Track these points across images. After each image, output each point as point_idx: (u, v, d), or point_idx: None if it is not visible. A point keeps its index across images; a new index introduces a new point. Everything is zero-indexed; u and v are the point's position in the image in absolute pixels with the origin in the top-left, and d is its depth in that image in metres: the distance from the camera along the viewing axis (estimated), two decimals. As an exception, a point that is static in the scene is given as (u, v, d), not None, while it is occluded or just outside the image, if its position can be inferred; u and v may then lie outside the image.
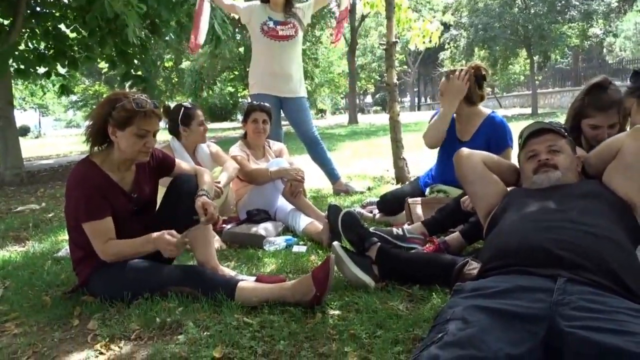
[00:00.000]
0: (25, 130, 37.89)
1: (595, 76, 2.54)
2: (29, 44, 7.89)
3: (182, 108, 3.20)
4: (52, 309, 2.07)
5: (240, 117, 33.62)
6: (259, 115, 3.44)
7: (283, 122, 4.55)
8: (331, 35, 24.41)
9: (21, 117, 40.97)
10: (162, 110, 3.02)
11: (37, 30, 7.79)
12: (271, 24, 4.18)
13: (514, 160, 2.30)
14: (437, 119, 3.11)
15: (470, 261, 1.99)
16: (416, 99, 43.30)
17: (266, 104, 3.55)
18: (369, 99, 55.40)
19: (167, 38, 7.99)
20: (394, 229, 2.59)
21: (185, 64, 23.35)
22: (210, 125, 31.67)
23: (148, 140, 2.06)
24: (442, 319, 1.30)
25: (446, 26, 20.45)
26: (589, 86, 2.41)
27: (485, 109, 3.12)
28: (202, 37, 4.43)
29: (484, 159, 2.11)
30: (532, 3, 18.44)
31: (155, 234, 2.02)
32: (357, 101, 34.05)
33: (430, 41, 5.44)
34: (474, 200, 2.14)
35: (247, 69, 4.54)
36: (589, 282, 1.33)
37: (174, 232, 2.01)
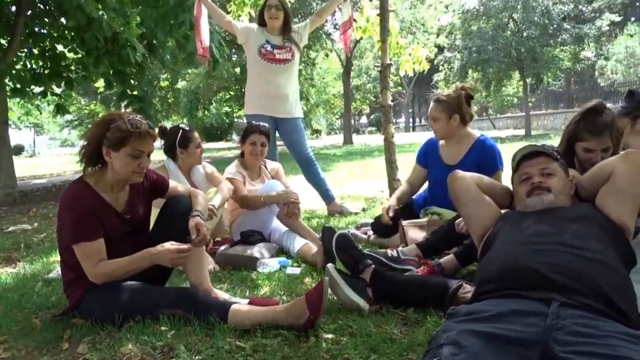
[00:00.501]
0: (19, 149, 37.85)
1: (587, 98, 2.59)
2: (26, 64, 7.92)
3: (180, 130, 3.22)
4: (42, 332, 2.04)
5: (235, 137, 33.79)
6: (258, 138, 3.44)
7: (278, 142, 4.57)
8: (326, 55, 24.68)
9: (16, 136, 41.00)
10: (158, 131, 3.04)
11: (34, 50, 7.83)
12: (268, 47, 4.22)
13: (505, 182, 2.30)
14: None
15: (464, 284, 1.99)
16: (411, 120, 43.65)
17: (265, 125, 3.55)
18: (364, 120, 55.79)
19: (164, 58, 8.03)
20: (389, 251, 2.58)
21: (181, 84, 23.50)
22: (206, 145, 31.74)
23: (142, 160, 2.06)
24: (436, 343, 1.29)
25: (440, 48, 20.76)
26: (584, 110, 2.43)
27: (474, 131, 3.14)
28: (206, 39, 4.41)
29: (477, 182, 2.12)
30: (524, 27, 18.74)
31: (154, 249, 2.01)
32: (352, 122, 34.26)
33: (420, 66, 5.49)
34: (468, 223, 2.14)
35: (243, 90, 4.56)
36: (582, 306, 1.33)
37: (173, 243, 2.02)
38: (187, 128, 3.28)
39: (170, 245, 2.02)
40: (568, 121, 2.52)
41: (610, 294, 1.39)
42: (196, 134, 3.27)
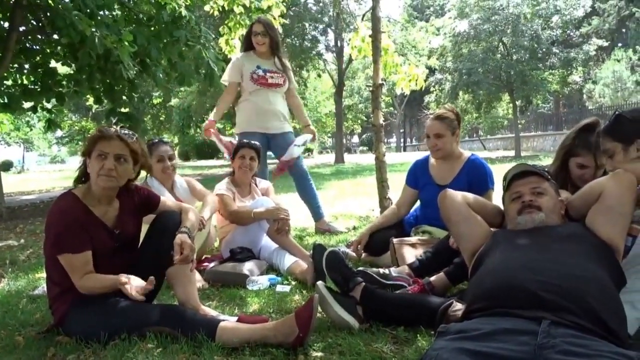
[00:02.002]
0: (8, 165, 37.57)
1: (576, 121, 2.60)
2: (17, 79, 7.89)
3: (152, 143, 3.23)
4: (25, 349, 1.99)
5: (227, 155, 33.76)
6: (247, 152, 3.45)
7: (270, 161, 4.56)
8: (319, 76, 24.86)
9: (4, 152, 40.72)
10: None
11: (25, 65, 7.81)
12: (260, 72, 4.24)
13: (495, 202, 2.31)
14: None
15: (454, 302, 1.98)
16: (402, 140, 43.91)
17: (256, 142, 3.56)
18: (355, 139, 56.08)
19: (156, 76, 8.02)
20: (381, 270, 2.57)
21: (173, 102, 23.52)
22: (197, 163, 31.64)
23: (106, 162, 2.02)
24: (426, 361, 1.28)
25: (431, 70, 21.03)
26: (580, 126, 2.46)
27: (465, 151, 3.16)
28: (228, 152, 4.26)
29: (468, 201, 2.13)
30: (514, 50, 19.08)
31: (122, 279, 1.95)
32: (344, 141, 34.42)
33: (416, 84, 5.54)
34: (459, 241, 2.15)
35: (235, 108, 4.56)
36: (572, 325, 1.33)
37: (137, 280, 1.96)
38: (155, 141, 3.27)
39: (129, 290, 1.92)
40: (557, 143, 2.53)
41: (600, 313, 1.39)
42: (163, 147, 3.23)
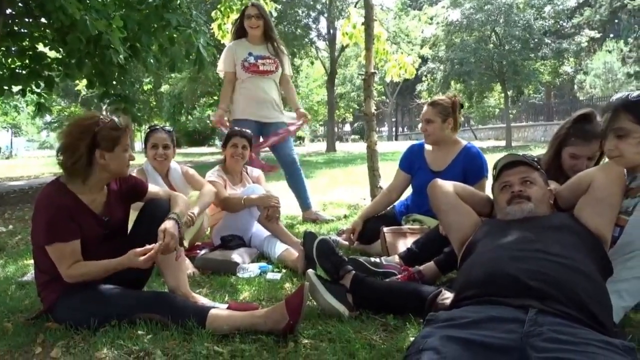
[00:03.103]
0: (-5, 151, 37.14)
1: (567, 111, 2.61)
2: (3, 62, 7.75)
3: (149, 128, 3.26)
4: (14, 336, 1.99)
5: (218, 142, 33.67)
6: (239, 141, 3.43)
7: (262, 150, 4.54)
8: (311, 63, 24.69)
9: (-8, 137, 40.22)
10: None
11: (13, 49, 7.67)
12: (252, 60, 4.19)
13: (488, 191, 2.32)
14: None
15: (443, 290, 1.99)
16: (394, 129, 43.93)
17: (247, 131, 3.54)
18: (347, 128, 56.04)
19: (147, 62, 7.89)
20: (372, 258, 2.58)
21: (164, 88, 23.30)
22: (188, 150, 31.47)
23: (130, 153, 2.12)
24: (415, 349, 1.29)
25: (424, 59, 21.00)
26: (575, 116, 2.47)
27: (461, 140, 3.18)
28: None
29: (457, 190, 2.14)
30: (506, 40, 19.07)
31: (121, 258, 1.99)
32: (336, 129, 34.38)
33: (405, 72, 5.53)
34: (448, 231, 2.16)
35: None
36: (559, 313, 1.34)
37: (136, 250, 1.98)
38: (154, 128, 3.26)
39: (134, 251, 1.98)
40: (548, 133, 2.55)
41: (587, 302, 1.40)
42: (158, 134, 3.18)
